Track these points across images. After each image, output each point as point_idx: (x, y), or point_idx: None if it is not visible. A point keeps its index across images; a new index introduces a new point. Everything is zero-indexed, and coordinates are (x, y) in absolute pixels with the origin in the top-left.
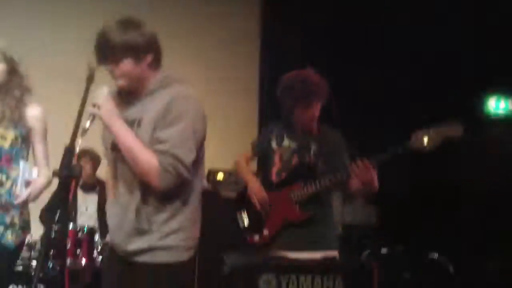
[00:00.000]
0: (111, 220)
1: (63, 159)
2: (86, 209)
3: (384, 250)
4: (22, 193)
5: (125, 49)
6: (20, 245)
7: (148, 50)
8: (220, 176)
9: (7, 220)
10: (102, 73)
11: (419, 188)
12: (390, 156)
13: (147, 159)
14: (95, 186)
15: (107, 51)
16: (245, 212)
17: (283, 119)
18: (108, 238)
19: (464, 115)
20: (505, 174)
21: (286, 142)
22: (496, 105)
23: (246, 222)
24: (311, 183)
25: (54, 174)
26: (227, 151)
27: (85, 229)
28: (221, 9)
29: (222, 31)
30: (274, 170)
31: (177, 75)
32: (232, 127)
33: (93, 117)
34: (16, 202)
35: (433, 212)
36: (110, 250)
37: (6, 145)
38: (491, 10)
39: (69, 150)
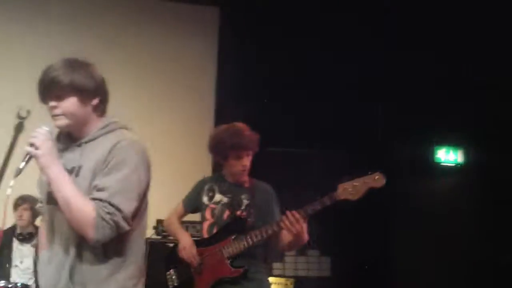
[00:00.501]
0: (45, 278)
1: None
2: (21, 262)
3: None
4: None
5: (72, 88)
6: None
7: (95, 94)
8: None
9: None
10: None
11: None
12: (320, 207)
13: (82, 207)
14: (33, 236)
15: (51, 88)
16: (175, 270)
17: (215, 174)
18: None
19: (414, 164)
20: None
21: (217, 197)
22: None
23: (176, 281)
24: (242, 237)
25: None
26: (177, 199)
27: (19, 285)
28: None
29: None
30: (206, 225)
31: (122, 122)
32: (183, 174)
33: (30, 157)
34: None
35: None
36: None
37: None
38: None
39: None
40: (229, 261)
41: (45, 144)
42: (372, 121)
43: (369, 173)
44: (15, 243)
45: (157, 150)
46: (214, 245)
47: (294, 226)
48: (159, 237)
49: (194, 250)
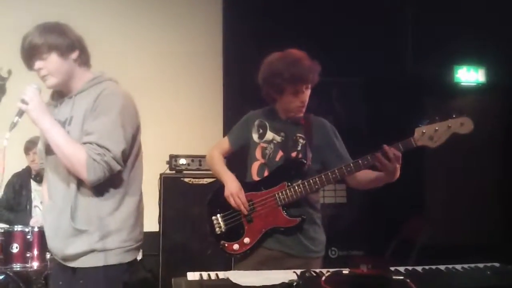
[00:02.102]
0: (48, 225)
1: None
2: (41, 203)
3: None
4: None
5: (48, 47)
6: None
7: (72, 47)
8: (182, 161)
9: None
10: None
11: None
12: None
13: (74, 151)
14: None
15: (32, 52)
16: (222, 216)
17: (266, 108)
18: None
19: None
20: None
21: (269, 135)
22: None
23: (223, 227)
24: (299, 182)
25: None
26: (189, 136)
27: (36, 229)
28: None
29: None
30: (255, 166)
31: (108, 75)
32: (194, 111)
33: (21, 111)
34: None
35: None
36: (54, 259)
37: None
38: None
39: None
40: (283, 209)
41: (34, 99)
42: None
43: (453, 116)
44: (33, 185)
45: (166, 86)
46: (266, 191)
47: (393, 163)
48: (172, 172)
49: (243, 196)
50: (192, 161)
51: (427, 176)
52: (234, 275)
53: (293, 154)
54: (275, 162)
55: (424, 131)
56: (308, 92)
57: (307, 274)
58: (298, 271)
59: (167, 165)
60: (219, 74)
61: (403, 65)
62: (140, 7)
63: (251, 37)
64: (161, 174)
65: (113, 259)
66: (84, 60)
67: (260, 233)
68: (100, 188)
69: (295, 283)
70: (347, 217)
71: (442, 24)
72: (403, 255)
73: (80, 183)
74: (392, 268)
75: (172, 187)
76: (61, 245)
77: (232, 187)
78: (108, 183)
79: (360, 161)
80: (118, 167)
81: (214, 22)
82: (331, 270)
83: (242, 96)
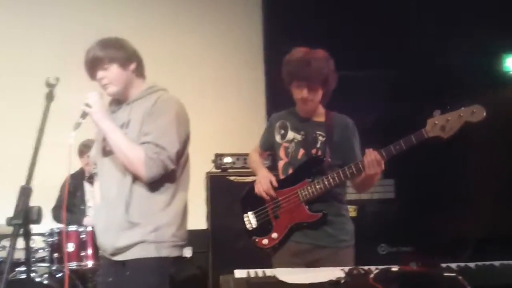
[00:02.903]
0: (100, 223)
1: (18, 200)
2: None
3: None
4: None
5: (109, 59)
6: None
7: (130, 59)
8: (227, 159)
9: None
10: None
11: None
12: (406, 147)
13: (133, 150)
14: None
15: (95, 64)
16: (252, 213)
17: (287, 110)
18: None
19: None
20: None
21: (290, 134)
22: None
23: (254, 223)
24: (320, 179)
25: (8, 223)
26: (234, 135)
27: (89, 229)
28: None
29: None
30: (280, 165)
31: (161, 85)
32: (239, 110)
33: (85, 113)
34: None
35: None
36: (103, 257)
37: None
38: None
39: (25, 190)
40: (306, 205)
41: (97, 103)
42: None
43: (465, 105)
44: (87, 186)
45: (211, 87)
46: (290, 188)
47: (372, 167)
48: (218, 170)
49: (269, 184)
50: (237, 159)
51: (475, 170)
52: (281, 273)
53: (313, 151)
54: (297, 160)
55: (436, 122)
56: (315, 92)
57: (355, 272)
58: (346, 269)
59: (213, 164)
60: (261, 75)
61: (450, 55)
62: (183, 15)
63: (291, 35)
64: (207, 173)
65: (161, 252)
66: (140, 71)
67: (286, 228)
68: (153, 188)
69: (343, 281)
70: (396, 212)
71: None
72: (455, 251)
73: (134, 183)
74: (444, 265)
75: (219, 185)
76: (113, 238)
77: (262, 176)
78: (161, 183)
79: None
80: (172, 166)
81: (254, 22)
82: (380, 267)
83: (284, 94)
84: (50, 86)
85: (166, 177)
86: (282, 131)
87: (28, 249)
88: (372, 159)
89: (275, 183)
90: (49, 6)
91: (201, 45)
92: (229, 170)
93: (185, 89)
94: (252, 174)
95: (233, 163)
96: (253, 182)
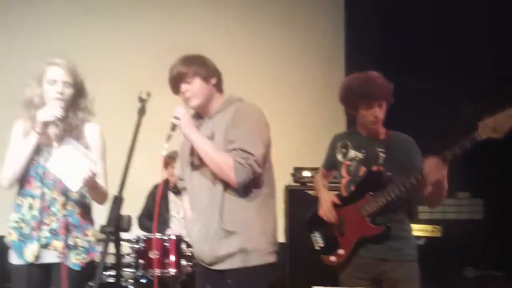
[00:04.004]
0: (195, 233)
1: (110, 210)
2: (178, 213)
3: None
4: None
5: (193, 74)
6: (86, 267)
7: (212, 74)
8: (306, 173)
9: (71, 241)
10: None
11: None
12: (460, 151)
13: (222, 157)
14: (185, 189)
15: (178, 79)
16: (319, 232)
17: (348, 130)
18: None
19: None
20: None
21: (351, 153)
22: None
23: (320, 242)
24: (381, 192)
25: (101, 230)
26: (313, 149)
27: (173, 237)
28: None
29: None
30: (343, 183)
31: (238, 96)
32: (319, 124)
33: (174, 126)
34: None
35: None
36: (200, 266)
37: None
38: None
39: (117, 200)
40: (369, 219)
41: (185, 116)
42: None
43: None
44: (171, 196)
45: (291, 102)
46: (352, 204)
47: (434, 172)
48: (297, 184)
49: (330, 206)
50: (316, 173)
51: None
52: None
53: (374, 168)
54: (359, 177)
55: (486, 124)
56: (382, 109)
57: None
58: None
59: (292, 177)
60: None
61: None
62: (263, 30)
63: (372, 53)
64: (286, 186)
65: (259, 260)
66: (220, 86)
67: (351, 244)
68: (243, 194)
69: None
70: (484, 234)
71: None
72: None
73: (225, 190)
74: None
75: (297, 199)
76: (212, 248)
77: (324, 198)
78: (250, 188)
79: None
80: (259, 170)
81: (336, 34)
82: None
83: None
84: (142, 101)
85: (254, 182)
86: (344, 150)
87: (118, 255)
88: (431, 165)
89: (337, 201)
90: (143, 24)
91: (282, 59)
92: (308, 184)
93: (265, 103)
94: (332, 188)
95: (312, 177)
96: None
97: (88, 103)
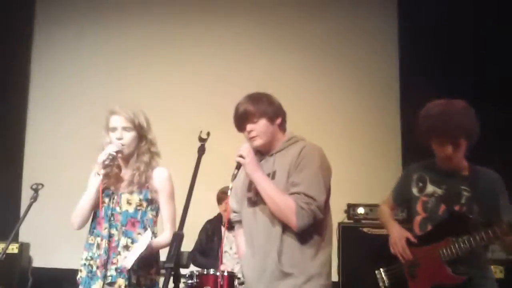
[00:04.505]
0: (250, 271)
1: (171, 247)
2: (231, 248)
3: None
4: (129, 259)
5: (260, 113)
6: None
7: (277, 114)
8: (360, 210)
9: (133, 279)
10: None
11: None
12: None
13: (284, 200)
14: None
15: (245, 118)
16: (385, 270)
17: (425, 161)
18: None
19: None
20: None
21: (429, 188)
22: None
23: (386, 282)
24: (465, 238)
25: (161, 266)
26: (367, 185)
27: (226, 274)
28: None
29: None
30: (417, 220)
31: (300, 135)
32: (373, 161)
33: (240, 165)
34: (122, 266)
35: None
36: None
37: (131, 209)
38: None
39: (177, 237)
40: (448, 266)
41: (250, 155)
42: None
43: None
44: (224, 231)
45: (344, 138)
46: (429, 245)
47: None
48: (350, 221)
49: (405, 243)
50: (371, 210)
51: None
52: None
53: (456, 208)
54: (438, 216)
55: None
56: (460, 147)
57: None
58: None
59: (345, 214)
60: (397, 122)
61: None
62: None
63: (429, 82)
64: (339, 223)
65: None
66: (283, 125)
67: None
68: (302, 238)
69: None
70: None
71: None
72: None
73: (284, 232)
74: None
75: (351, 236)
76: (267, 287)
77: (397, 234)
78: (309, 232)
79: None
80: (321, 216)
81: (390, 70)
82: None
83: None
84: (202, 140)
85: (315, 227)
86: (420, 184)
87: None
88: (504, 229)
89: (412, 239)
90: (201, 64)
91: (334, 90)
92: (362, 221)
93: (318, 138)
94: None
95: (366, 213)
96: (387, 236)
97: (152, 146)
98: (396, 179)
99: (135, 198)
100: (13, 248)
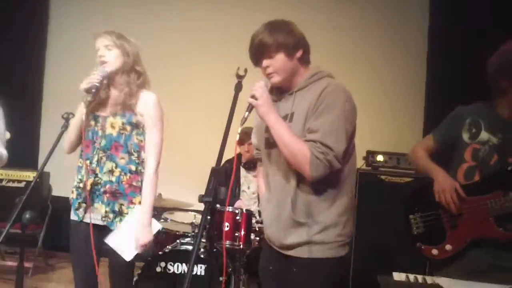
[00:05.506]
0: (267, 214)
1: (208, 181)
2: (248, 188)
3: None
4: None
5: (277, 46)
6: None
7: (298, 46)
8: (380, 158)
9: (116, 207)
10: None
11: None
12: None
13: (298, 147)
14: (256, 165)
15: (261, 51)
16: (421, 216)
17: (480, 104)
18: (264, 230)
19: None
20: None
21: (483, 135)
22: None
23: (421, 228)
24: None
25: (199, 200)
26: (387, 133)
27: (244, 211)
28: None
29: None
30: (463, 168)
31: (327, 71)
32: (394, 109)
33: (251, 107)
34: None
35: None
36: (267, 245)
37: (114, 132)
38: None
39: (215, 172)
40: (495, 220)
41: (263, 95)
42: None
43: None
44: (242, 171)
45: (367, 84)
46: (477, 197)
47: None
48: (369, 168)
49: (455, 195)
50: (390, 158)
51: None
52: (446, 282)
53: (511, 160)
54: (489, 166)
55: None
56: None
57: None
58: None
59: (364, 161)
60: (422, 67)
61: None
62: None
63: (457, 29)
64: (358, 169)
65: (329, 252)
66: (305, 58)
67: (464, 242)
68: (318, 186)
69: None
70: None
71: None
72: None
73: (299, 179)
74: None
75: (368, 183)
76: (280, 234)
77: (446, 182)
78: (326, 181)
79: None
80: (338, 166)
81: (419, 15)
82: None
83: (447, 92)
84: (239, 77)
85: (331, 178)
86: (474, 130)
87: (213, 226)
88: None
89: (461, 193)
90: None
91: (360, 38)
92: (381, 169)
93: (341, 80)
94: (406, 175)
95: (385, 161)
96: (413, 183)
97: (139, 68)
98: (416, 130)
99: (118, 121)
100: (33, 176)
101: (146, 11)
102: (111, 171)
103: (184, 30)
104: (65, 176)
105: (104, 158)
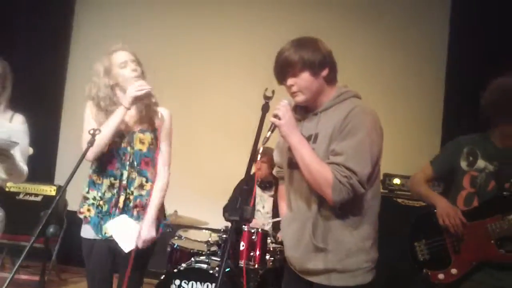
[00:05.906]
0: (288, 236)
1: (236, 200)
2: (263, 207)
3: None
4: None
5: (302, 64)
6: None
7: (323, 65)
8: (396, 181)
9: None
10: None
11: None
12: None
13: (321, 170)
14: (271, 185)
15: (285, 69)
16: (426, 243)
17: (477, 135)
18: (285, 252)
19: None
20: None
21: (480, 163)
22: None
23: (426, 255)
24: None
25: (225, 216)
26: (404, 156)
27: (260, 231)
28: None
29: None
30: (462, 195)
31: (353, 90)
32: (411, 131)
33: (274, 126)
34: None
35: None
36: (288, 267)
37: (144, 148)
38: None
39: (245, 192)
40: (496, 243)
41: (286, 115)
42: None
43: None
44: (258, 190)
45: (384, 106)
46: (478, 221)
47: None
48: (385, 191)
49: (460, 217)
50: (407, 182)
51: None
52: None
53: (507, 185)
54: (487, 192)
55: None
56: None
57: None
58: None
59: (380, 184)
60: (440, 95)
61: None
62: (361, 24)
63: (476, 52)
64: None
65: (352, 281)
66: (332, 77)
67: (469, 265)
68: (340, 211)
69: None
70: None
71: None
72: None
73: (321, 204)
74: None
75: (384, 206)
76: (301, 258)
77: (447, 208)
78: (349, 206)
79: None
80: (362, 190)
81: (438, 34)
82: None
83: (463, 121)
84: (267, 98)
85: (354, 204)
86: (471, 158)
87: (236, 244)
88: None
89: (462, 218)
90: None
91: (378, 53)
92: (397, 192)
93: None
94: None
95: (402, 185)
96: (422, 208)
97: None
98: (434, 152)
99: (148, 137)
100: (51, 191)
101: (171, 24)
102: (141, 186)
103: (210, 47)
104: (79, 191)
105: (134, 174)
